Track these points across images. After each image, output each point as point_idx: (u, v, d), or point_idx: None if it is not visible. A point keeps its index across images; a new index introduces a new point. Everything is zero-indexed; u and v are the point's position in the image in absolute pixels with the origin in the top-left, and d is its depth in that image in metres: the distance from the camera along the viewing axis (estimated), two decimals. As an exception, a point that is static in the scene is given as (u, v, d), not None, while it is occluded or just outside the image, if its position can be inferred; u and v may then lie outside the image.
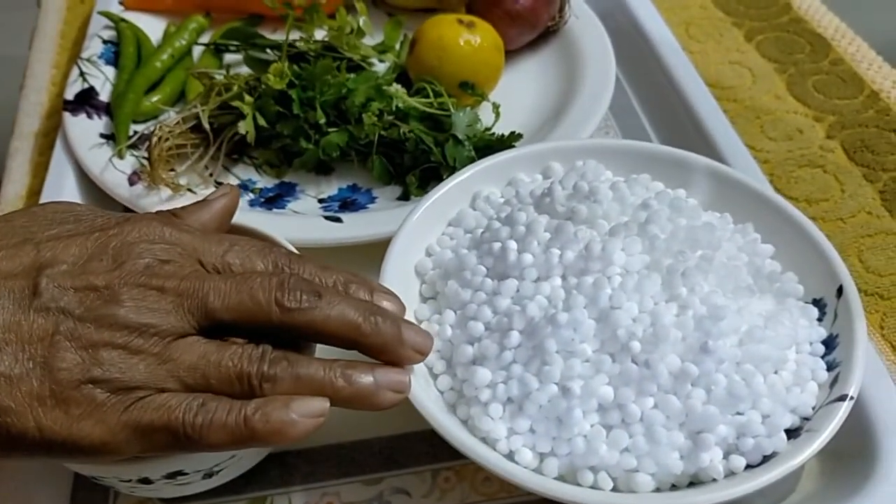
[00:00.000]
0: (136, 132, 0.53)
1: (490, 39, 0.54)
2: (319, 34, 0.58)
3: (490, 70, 0.54)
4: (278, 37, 0.60)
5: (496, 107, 0.53)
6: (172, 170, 0.49)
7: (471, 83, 0.53)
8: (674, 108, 0.55)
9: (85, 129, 0.53)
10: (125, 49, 0.58)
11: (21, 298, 0.29)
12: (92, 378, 0.29)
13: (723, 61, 0.62)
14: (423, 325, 0.38)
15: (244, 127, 0.49)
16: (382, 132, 0.49)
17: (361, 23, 0.57)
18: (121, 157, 0.51)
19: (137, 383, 0.29)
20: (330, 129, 0.50)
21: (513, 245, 0.37)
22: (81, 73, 0.57)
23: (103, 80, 0.57)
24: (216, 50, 0.59)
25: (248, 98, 0.50)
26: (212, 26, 0.62)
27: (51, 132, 0.58)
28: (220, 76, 0.53)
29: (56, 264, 0.30)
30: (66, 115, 0.53)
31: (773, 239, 0.40)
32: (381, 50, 0.60)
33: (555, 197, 0.39)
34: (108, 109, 0.55)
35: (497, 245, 0.38)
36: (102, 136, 0.52)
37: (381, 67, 0.58)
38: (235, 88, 0.50)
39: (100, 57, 0.58)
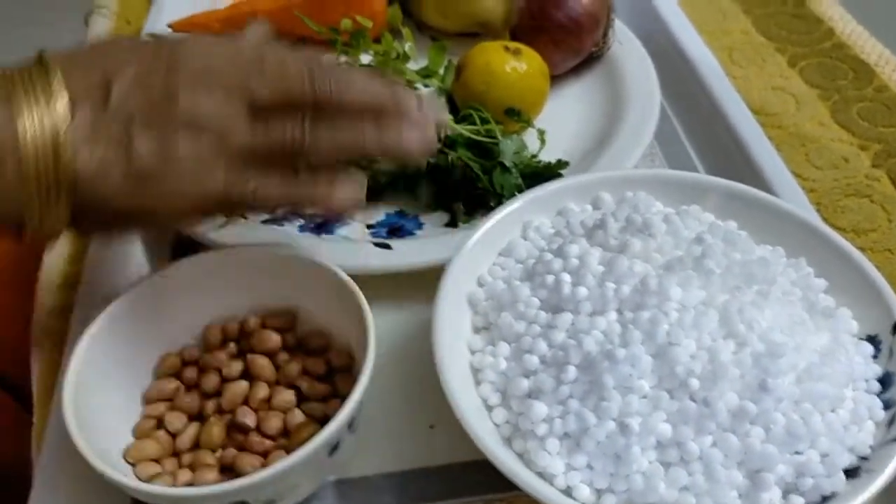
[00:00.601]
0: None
1: (536, 66, 0.54)
2: (365, 58, 0.58)
3: (536, 96, 0.55)
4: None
5: (541, 133, 0.54)
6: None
7: (517, 109, 0.53)
8: (719, 135, 0.55)
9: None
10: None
11: (98, 105, 0.33)
12: (167, 157, 0.33)
13: (766, 87, 0.62)
14: (476, 357, 0.38)
15: (294, 153, 0.50)
16: (430, 159, 0.50)
17: (407, 48, 0.58)
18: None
19: (205, 158, 0.34)
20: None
21: (567, 278, 0.37)
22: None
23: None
24: (263, 74, 0.60)
25: (298, 124, 0.51)
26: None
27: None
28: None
29: (121, 77, 0.34)
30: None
31: (825, 272, 0.40)
32: (426, 74, 0.61)
33: (607, 229, 0.40)
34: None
35: (550, 277, 0.38)
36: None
37: (426, 92, 0.59)
38: (286, 115, 0.51)
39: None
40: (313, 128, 0.35)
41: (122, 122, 0.33)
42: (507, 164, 0.49)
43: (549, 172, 0.50)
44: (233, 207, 0.37)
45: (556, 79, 0.59)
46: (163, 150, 0.33)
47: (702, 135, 0.57)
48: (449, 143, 0.50)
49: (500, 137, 0.50)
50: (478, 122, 0.52)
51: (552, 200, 0.44)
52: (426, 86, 0.59)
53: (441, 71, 0.61)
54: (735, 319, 0.34)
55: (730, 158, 0.53)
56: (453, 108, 0.55)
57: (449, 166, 0.50)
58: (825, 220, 0.51)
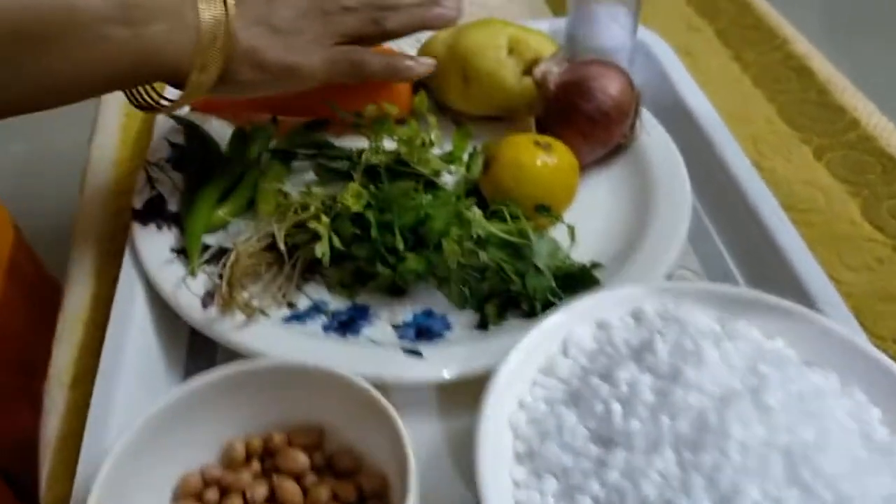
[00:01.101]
0: (206, 245, 0.52)
1: (566, 161, 0.53)
2: (388, 144, 0.57)
3: (566, 192, 0.54)
4: (344, 142, 0.60)
5: (572, 230, 0.52)
6: (245, 290, 0.48)
7: (547, 206, 0.52)
8: (752, 235, 0.54)
9: (155, 243, 0.52)
10: (193, 154, 0.58)
11: None
12: (296, 29, 0.49)
13: (794, 180, 0.61)
14: (522, 493, 0.36)
15: (320, 249, 0.49)
16: (461, 259, 0.48)
17: (433, 136, 0.57)
18: (192, 275, 0.50)
19: (321, 34, 0.50)
20: (407, 254, 0.49)
21: (617, 408, 0.36)
22: (150, 180, 0.56)
23: (171, 187, 0.56)
24: (284, 157, 0.59)
25: (324, 219, 0.49)
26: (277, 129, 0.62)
27: (117, 235, 0.57)
28: (294, 192, 0.52)
29: None
30: (136, 226, 0.53)
31: (876, 397, 0.39)
32: (449, 160, 0.60)
33: (656, 353, 0.38)
34: (177, 219, 0.54)
35: (599, 406, 0.36)
36: (173, 250, 0.52)
37: (449, 179, 0.58)
38: (312, 209, 0.50)
39: (167, 161, 0.58)
40: (382, 8, 0.52)
41: (260, 3, 0.48)
42: (541, 266, 0.48)
43: (583, 276, 0.49)
44: (353, 65, 0.51)
45: (583, 169, 0.58)
46: (294, 15, 0.49)
47: (734, 233, 0.56)
48: (479, 241, 0.49)
49: (532, 238, 0.49)
50: (508, 219, 0.51)
51: (592, 311, 0.43)
52: (450, 172, 0.58)
53: (465, 157, 0.60)
54: (800, 466, 0.33)
55: (765, 261, 0.52)
56: (481, 201, 0.54)
57: (481, 267, 0.48)
58: (864, 327, 0.50)
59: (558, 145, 0.54)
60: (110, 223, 0.58)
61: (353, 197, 0.50)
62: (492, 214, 0.51)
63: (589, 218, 0.55)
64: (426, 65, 0.55)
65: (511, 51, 0.60)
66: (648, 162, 0.58)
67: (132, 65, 0.45)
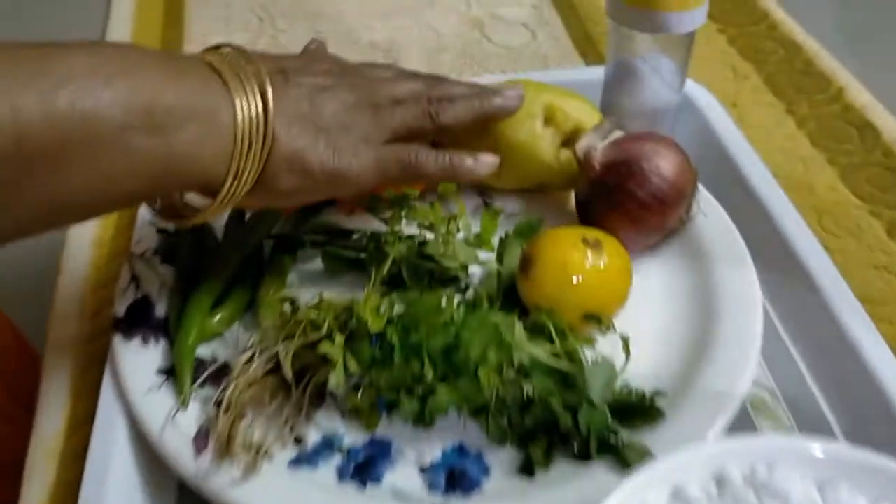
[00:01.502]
0: (199, 358, 0.45)
1: (619, 261, 0.46)
2: (409, 228, 0.50)
3: (617, 297, 0.46)
4: (356, 222, 0.52)
5: (626, 344, 0.45)
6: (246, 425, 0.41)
7: (597, 315, 0.45)
8: (831, 347, 0.46)
9: (139, 363, 0.44)
10: (184, 242, 0.50)
11: (284, 83, 0.42)
12: (344, 128, 0.43)
13: (867, 264, 0.54)
14: None
15: (333, 378, 0.41)
16: (498, 389, 0.41)
17: (461, 226, 0.49)
18: (184, 405, 0.42)
19: (370, 132, 0.44)
20: (438, 384, 0.41)
21: None
22: (134, 278, 0.49)
23: (159, 286, 0.49)
24: (289, 245, 0.51)
25: (338, 339, 0.42)
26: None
27: (95, 339, 0.50)
28: (301, 295, 0.45)
29: (290, 67, 0.44)
30: (117, 340, 0.45)
31: None
32: (477, 244, 0.52)
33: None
34: (166, 328, 0.47)
35: None
36: (161, 371, 0.44)
37: (478, 272, 0.50)
38: (324, 328, 0.42)
39: (155, 253, 0.50)
40: (439, 102, 0.47)
41: (305, 95, 0.42)
42: (597, 400, 0.41)
43: (644, 407, 0.41)
44: (405, 168, 0.45)
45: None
46: (340, 111, 0.43)
47: (808, 340, 0.49)
48: (521, 367, 0.42)
49: (585, 363, 0.42)
50: (555, 336, 0.43)
51: (666, 474, 0.36)
52: (480, 264, 0.50)
53: (495, 242, 0.53)
54: None
55: (854, 386, 0.45)
56: (515, 302, 0.47)
57: (523, 400, 0.41)
58: None
59: (609, 242, 0.46)
60: (88, 324, 0.51)
61: (371, 313, 0.42)
62: (534, 329, 0.44)
63: (641, 320, 0.48)
64: (488, 164, 0.48)
65: (548, 121, 0.52)
66: (706, 248, 0.51)
67: (157, 177, 0.38)
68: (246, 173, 0.40)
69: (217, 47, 0.43)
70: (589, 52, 0.73)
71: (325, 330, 0.42)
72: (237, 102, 0.39)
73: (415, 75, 0.49)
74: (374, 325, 0.42)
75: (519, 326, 0.43)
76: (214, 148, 0.39)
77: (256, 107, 0.39)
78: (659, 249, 0.52)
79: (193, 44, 0.75)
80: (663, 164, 0.49)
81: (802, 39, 0.73)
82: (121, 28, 0.77)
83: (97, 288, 0.53)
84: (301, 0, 0.80)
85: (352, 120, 0.43)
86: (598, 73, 0.65)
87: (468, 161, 0.47)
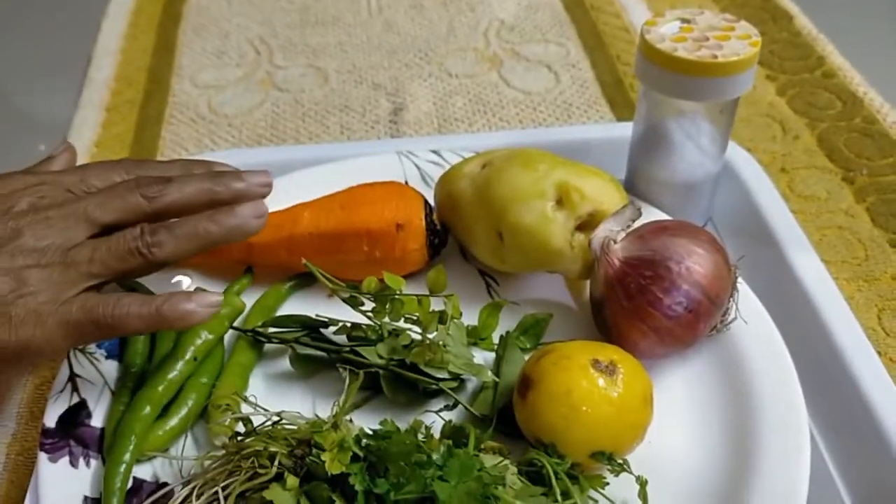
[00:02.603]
0: (136, 482, 0.38)
1: (638, 388, 0.38)
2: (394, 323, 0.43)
3: (634, 432, 0.38)
4: (331, 308, 0.45)
5: (643, 487, 0.37)
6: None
7: (608, 453, 0.37)
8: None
9: (63, 490, 0.38)
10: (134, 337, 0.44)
11: None
12: (20, 293, 0.35)
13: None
14: None
15: (283, 531, 0.34)
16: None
17: (452, 330, 0.42)
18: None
19: (58, 288, 0.36)
20: (407, 545, 0.34)
21: None
22: (72, 377, 0.42)
23: (101, 388, 0.42)
24: (255, 340, 0.45)
25: (290, 481, 0.35)
26: (255, 282, 0.48)
27: (24, 451, 0.43)
28: (255, 411, 0.38)
29: None
30: (42, 460, 0.38)
31: None
32: (472, 342, 0.45)
33: None
34: (101, 444, 0.40)
35: None
36: (88, 503, 0.37)
37: (471, 383, 0.43)
38: (274, 468, 0.35)
39: (99, 346, 0.44)
40: (153, 232, 0.38)
41: None
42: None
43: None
44: (101, 328, 0.36)
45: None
46: (14, 283, 0.35)
47: (861, 476, 0.40)
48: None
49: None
50: (553, 482, 0.36)
51: None
52: (474, 375, 0.42)
53: (495, 340, 0.45)
54: None
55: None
56: (510, 428, 0.39)
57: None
58: None
59: (627, 364, 0.38)
60: (22, 429, 0.44)
61: (331, 452, 0.35)
62: (530, 473, 0.37)
63: (663, 453, 0.40)
64: (209, 308, 0.37)
65: (561, 202, 0.44)
66: (743, 359, 0.43)
67: None
68: None
69: None
70: (618, 99, 0.65)
71: (273, 470, 0.35)
72: None
73: (133, 184, 0.39)
74: (333, 467, 0.35)
75: (512, 473, 0.35)
76: None
77: None
78: (686, 355, 0.44)
79: (182, 79, 0.68)
80: (696, 267, 0.41)
81: (863, 92, 0.64)
82: (105, 60, 0.70)
83: (37, 385, 0.46)
84: (303, 32, 0.73)
85: (35, 279, 0.36)
86: (626, 130, 0.57)
87: (182, 306, 0.37)
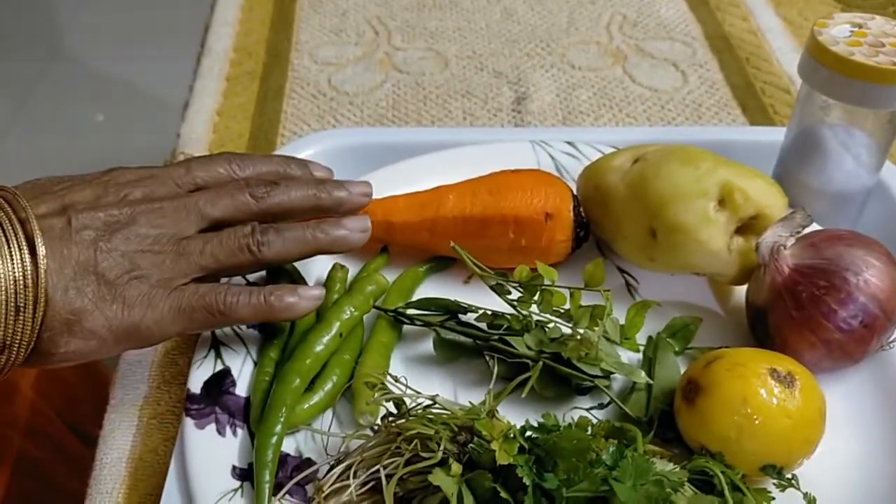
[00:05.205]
0: (282, 456, 0.37)
1: (814, 401, 0.36)
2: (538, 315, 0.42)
3: (808, 447, 0.36)
4: (472, 294, 0.44)
5: (812, 503, 0.35)
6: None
7: (779, 467, 0.35)
8: None
9: (211, 460, 0.37)
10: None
11: (62, 231, 0.36)
12: (134, 276, 0.36)
13: None
14: None
15: (446, 518, 0.33)
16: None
17: (607, 326, 0.40)
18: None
19: (170, 275, 0.37)
20: (576, 545, 0.33)
21: None
22: (215, 345, 0.41)
23: (244, 356, 0.41)
24: (396, 320, 0.43)
25: (454, 467, 0.34)
26: (391, 263, 0.47)
27: (157, 415, 0.43)
28: (409, 400, 0.37)
29: (77, 203, 0.37)
30: (189, 426, 0.38)
31: None
32: (616, 341, 0.43)
33: None
34: (247, 414, 0.39)
35: None
36: (237, 473, 0.37)
37: (616, 383, 0.42)
38: (438, 451, 0.34)
39: (242, 314, 0.43)
40: (263, 232, 0.39)
41: (88, 241, 0.36)
42: None
43: None
44: (212, 314, 0.37)
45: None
46: (128, 265, 0.36)
47: None
48: (685, 535, 0.33)
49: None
50: (726, 492, 0.34)
51: None
52: (624, 374, 0.41)
53: (639, 340, 0.44)
54: None
55: None
56: (670, 428, 0.38)
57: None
58: None
59: (804, 376, 0.36)
60: (154, 393, 0.44)
61: (499, 440, 0.34)
62: (698, 481, 0.35)
63: (825, 467, 0.38)
64: (312, 301, 0.39)
65: (723, 202, 0.43)
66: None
67: None
68: (17, 343, 0.34)
69: None
70: (749, 104, 0.63)
71: (439, 455, 0.34)
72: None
73: (243, 183, 0.41)
74: (502, 457, 0.33)
75: (688, 486, 0.34)
76: None
77: (23, 265, 0.34)
78: (843, 373, 0.42)
79: (302, 54, 0.68)
80: (874, 280, 0.39)
81: None
82: (224, 30, 0.70)
83: (169, 349, 0.46)
84: (420, 15, 0.72)
85: (148, 263, 0.37)
86: (767, 135, 0.55)
87: (288, 299, 0.39)
